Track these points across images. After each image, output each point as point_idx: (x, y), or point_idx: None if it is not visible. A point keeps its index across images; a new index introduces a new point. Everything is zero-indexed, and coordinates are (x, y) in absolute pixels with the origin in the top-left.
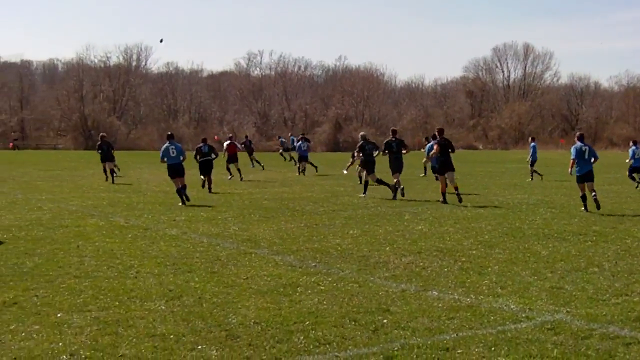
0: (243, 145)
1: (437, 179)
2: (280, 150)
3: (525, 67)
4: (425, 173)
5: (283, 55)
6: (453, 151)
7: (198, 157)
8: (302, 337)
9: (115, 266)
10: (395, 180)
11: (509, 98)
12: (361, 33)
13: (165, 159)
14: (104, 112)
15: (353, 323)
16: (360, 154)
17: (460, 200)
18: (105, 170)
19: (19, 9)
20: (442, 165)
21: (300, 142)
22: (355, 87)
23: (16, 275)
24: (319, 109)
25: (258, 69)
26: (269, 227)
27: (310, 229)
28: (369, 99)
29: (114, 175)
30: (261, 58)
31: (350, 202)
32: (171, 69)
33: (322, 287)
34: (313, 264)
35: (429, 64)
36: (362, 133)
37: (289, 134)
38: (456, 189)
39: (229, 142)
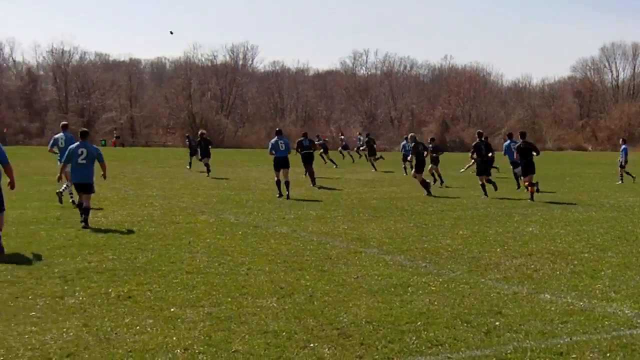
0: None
1: (516, 175)
2: (339, 149)
3: (635, 66)
4: (498, 170)
5: (389, 55)
6: (537, 153)
7: (299, 149)
8: (414, 338)
9: (227, 263)
10: (480, 182)
11: (618, 98)
12: (467, 32)
13: (274, 152)
14: (212, 110)
15: (465, 325)
16: (474, 155)
17: (532, 199)
18: (207, 165)
19: (128, 9)
20: (524, 167)
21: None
22: (462, 87)
23: (130, 270)
24: (425, 108)
25: (364, 68)
26: (378, 226)
27: (419, 229)
28: (475, 99)
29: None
30: (367, 57)
31: (459, 203)
32: (277, 67)
33: (433, 288)
34: (423, 264)
35: (536, 64)
36: (411, 134)
37: (358, 133)
38: (532, 185)
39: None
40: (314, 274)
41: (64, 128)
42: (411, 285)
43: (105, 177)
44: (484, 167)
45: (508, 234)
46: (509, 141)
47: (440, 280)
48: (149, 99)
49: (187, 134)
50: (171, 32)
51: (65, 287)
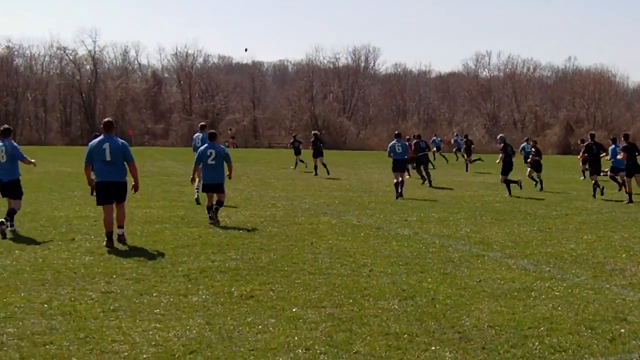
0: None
1: (613, 179)
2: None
3: None
4: (584, 177)
5: (511, 57)
6: None
7: (417, 152)
8: (536, 343)
9: (349, 264)
10: (592, 181)
11: None
12: (591, 33)
13: (392, 155)
14: (334, 112)
15: (589, 331)
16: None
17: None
18: (315, 167)
19: (251, 11)
20: (629, 168)
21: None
22: (586, 89)
23: (253, 270)
24: (549, 110)
25: (486, 70)
26: (501, 229)
27: (543, 233)
28: (600, 101)
29: (305, 166)
30: (489, 59)
31: (584, 207)
32: (399, 69)
33: (557, 293)
34: (547, 269)
35: None
36: (500, 135)
37: (455, 134)
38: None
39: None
40: (436, 277)
41: (202, 128)
42: (534, 290)
43: (230, 178)
44: (596, 167)
45: (634, 239)
46: (613, 145)
47: (564, 285)
48: (272, 101)
49: (293, 134)
50: (246, 50)
51: (189, 286)
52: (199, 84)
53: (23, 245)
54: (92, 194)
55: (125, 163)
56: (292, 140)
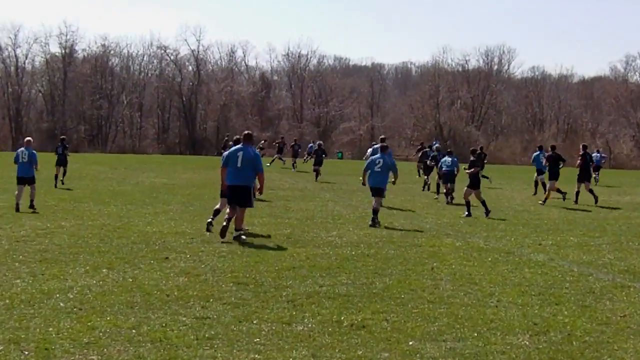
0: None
1: None
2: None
3: None
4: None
5: None
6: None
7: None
8: None
9: (474, 292)
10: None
11: None
12: None
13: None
14: (461, 120)
15: None
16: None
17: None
18: (317, 171)
19: (371, 8)
20: None
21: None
22: None
23: (365, 296)
24: None
25: (637, 73)
26: None
27: None
28: None
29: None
30: None
31: None
32: (537, 73)
33: None
34: None
35: None
36: (552, 144)
37: (597, 149)
38: None
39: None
40: (573, 310)
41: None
42: None
43: (261, 192)
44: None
45: None
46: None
47: None
48: (392, 108)
49: (294, 138)
50: None
51: (294, 313)
52: (312, 87)
53: (111, 263)
54: (221, 195)
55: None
56: (292, 144)
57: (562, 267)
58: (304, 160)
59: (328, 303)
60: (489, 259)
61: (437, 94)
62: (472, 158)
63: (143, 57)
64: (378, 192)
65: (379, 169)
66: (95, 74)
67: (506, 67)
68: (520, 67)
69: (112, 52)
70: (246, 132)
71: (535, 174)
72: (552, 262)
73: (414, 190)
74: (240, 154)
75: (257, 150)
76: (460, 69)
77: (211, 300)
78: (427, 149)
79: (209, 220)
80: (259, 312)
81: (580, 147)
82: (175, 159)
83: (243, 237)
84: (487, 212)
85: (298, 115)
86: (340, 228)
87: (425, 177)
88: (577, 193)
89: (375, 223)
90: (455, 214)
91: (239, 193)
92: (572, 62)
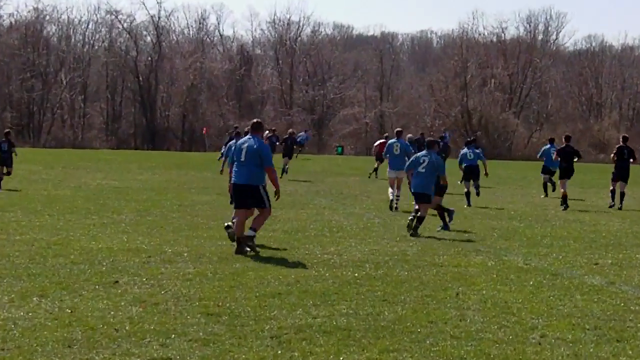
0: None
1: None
2: None
3: None
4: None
5: None
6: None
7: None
8: None
9: (510, 326)
10: (612, 187)
11: None
12: None
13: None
14: (496, 105)
15: None
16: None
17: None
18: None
19: None
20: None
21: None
22: None
23: (370, 330)
24: None
25: None
26: None
27: None
28: None
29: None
30: None
31: None
32: (594, 44)
33: None
34: None
35: None
36: (624, 135)
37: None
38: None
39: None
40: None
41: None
42: None
43: (277, 197)
44: (621, 173)
45: None
46: None
47: None
48: (407, 89)
49: (272, 128)
50: None
51: (279, 352)
52: (305, 64)
53: (44, 289)
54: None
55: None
56: (285, 137)
57: (625, 294)
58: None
59: (323, 339)
60: (530, 282)
61: (464, 71)
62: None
63: (87, 25)
64: (423, 199)
65: (424, 170)
66: (25, 46)
67: (554, 36)
68: (573, 36)
69: (47, 18)
70: (255, 120)
71: (542, 173)
72: (612, 287)
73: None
74: (245, 146)
75: (265, 141)
76: (494, 40)
77: (173, 336)
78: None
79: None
80: (235, 352)
81: (620, 138)
82: (129, 156)
83: (249, 247)
84: (445, 225)
85: (287, 99)
86: (339, 243)
87: None
88: (613, 192)
89: (415, 231)
90: (486, 224)
91: (245, 193)
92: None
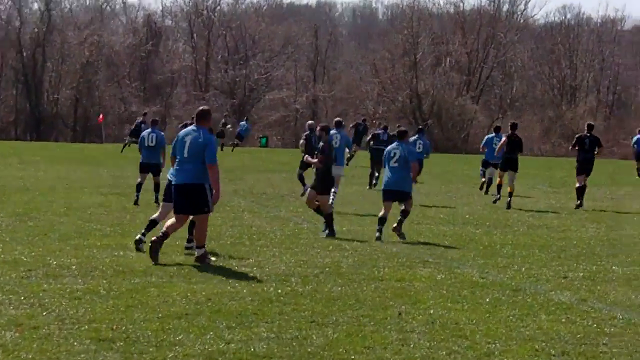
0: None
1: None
2: None
3: None
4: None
5: None
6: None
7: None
8: None
9: (462, 351)
10: (579, 184)
11: None
12: None
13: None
14: (451, 88)
15: None
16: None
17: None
18: None
19: None
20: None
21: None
22: None
23: (295, 357)
24: None
25: None
26: None
27: None
28: None
29: None
30: None
31: None
32: (569, 16)
33: None
34: None
35: None
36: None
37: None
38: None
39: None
40: None
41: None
42: None
43: (214, 200)
44: (584, 166)
45: None
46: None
47: None
48: (346, 69)
49: (225, 114)
50: None
51: None
52: (225, 38)
53: None
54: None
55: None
56: (223, 121)
57: (598, 313)
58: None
59: None
60: (487, 300)
61: (414, 48)
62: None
63: None
64: (402, 197)
65: (396, 164)
66: None
67: (522, 6)
68: (544, 7)
69: None
70: (201, 108)
71: (481, 167)
72: (583, 305)
73: (370, 194)
74: (188, 139)
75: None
76: (451, 11)
77: None
78: (380, 132)
79: (138, 237)
80: None
81: (586, 126)
82: (7, 148)
83: (211, 258)
84: (330, 231)
85: (202, 80)
86: (260, 253)
87: (374, 171)
88: (579, 189)
89: (429, 232)
90: (435, 230)
91: (189, 194)
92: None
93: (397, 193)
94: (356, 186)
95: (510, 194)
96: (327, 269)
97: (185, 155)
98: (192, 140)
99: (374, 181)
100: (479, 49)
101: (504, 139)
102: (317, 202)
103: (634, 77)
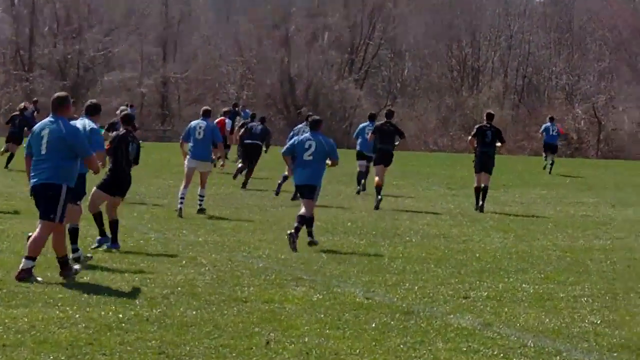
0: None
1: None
2: None
3: None
4: None
5: None
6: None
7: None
8: None
9: None
10: (477, 184)
11: None
12: None
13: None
14: (330, 70)
15: None
16: None
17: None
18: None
19: None
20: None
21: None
22: None
23: None
24: None
25: None
26: None
27: None
28: None
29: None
30: None
31: None
32: None
33: None
34: None
35: None
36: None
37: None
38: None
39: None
40: None
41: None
42: None
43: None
44: (483, 162)
45: None
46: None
47: None
48: (203, 46)
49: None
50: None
51: None
52: (53, 6)
53: None
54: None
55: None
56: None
57: (505, 340)
58: None
59: None
60: (373, 325)
61: (285, 20)
62: None
63: None
64: (309, 191)
65: (311, 157)
66: None
67: None
68: None
69: None
70: (58, 94)
71: (357, 159)
72: (487, 330)
73: (239, 200)
74: (46, 133)
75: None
76: None
77: None
78: (255, 123)
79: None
80: None
81: (485, 115)
82: None
83: (76, 267)
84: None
85: (24, 56)
86: (96, 269)
87: (241, 164)
88: (477, 190)
89: (302, 242)
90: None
91: (42, 196)
92: None
93: (303, 187)
94: (225, 187)
95: (379, 189)
96: (179, 288)
97: (43, 151)
98: (51, 134)
99: (244, 179)
100: (363, 22)
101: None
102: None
103: (547, 57)
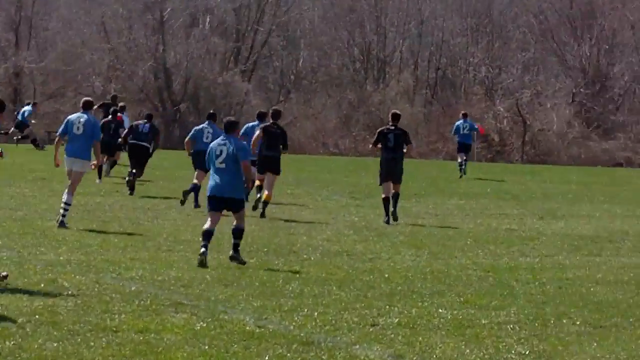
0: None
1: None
2: None
3: None
4: None
5: None
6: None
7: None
8: None
9: None
10: (385, 194)
11: None
12: None
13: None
14: (213, 59)
15: None
16: None
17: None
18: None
19: None
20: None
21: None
22: None
23: None
24: None
25: None
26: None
27: None
28: None
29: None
30: None
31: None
32: None
33: None
34: None
35: None
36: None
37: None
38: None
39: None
40: None
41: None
42: None
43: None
44: (390, 170)
45: None
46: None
47: None
48: (63, 31)
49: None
50: None
51: None
52: None
53: None
54: None
55: None
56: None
57: None
58: None
59: None
60: (266, 358)
61: (161, 1)
62: None
63: None
64: (230, 206)
65: (223, 164)
66: None
67: None
68: None
69: None
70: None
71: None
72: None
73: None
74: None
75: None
76: None
77: None
78: (141, 122)
79: None
80: None
81: (390, 116)
82: None
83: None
84: None
85: None
86: None
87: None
88: (386, 200)
89: (240, 259)
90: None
91: None
92: None
93: (225, 201)
94: (90, 196)
95: (265, 203)
96: (36, 316)
97: None
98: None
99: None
100: (250, 4)
101: (258, 131)
102: None
103: (464, 46)
